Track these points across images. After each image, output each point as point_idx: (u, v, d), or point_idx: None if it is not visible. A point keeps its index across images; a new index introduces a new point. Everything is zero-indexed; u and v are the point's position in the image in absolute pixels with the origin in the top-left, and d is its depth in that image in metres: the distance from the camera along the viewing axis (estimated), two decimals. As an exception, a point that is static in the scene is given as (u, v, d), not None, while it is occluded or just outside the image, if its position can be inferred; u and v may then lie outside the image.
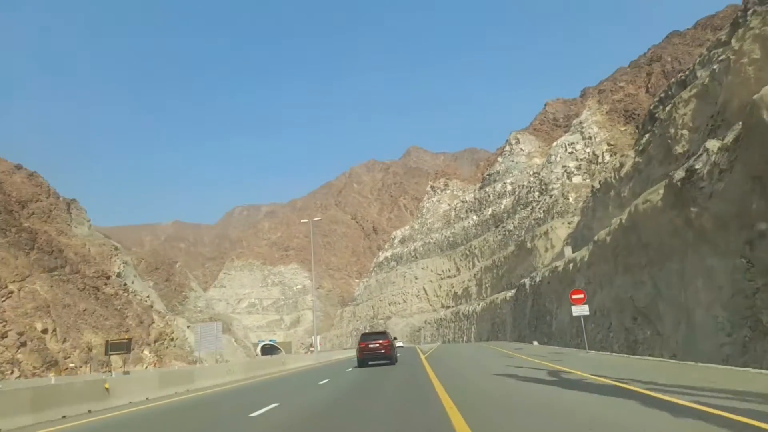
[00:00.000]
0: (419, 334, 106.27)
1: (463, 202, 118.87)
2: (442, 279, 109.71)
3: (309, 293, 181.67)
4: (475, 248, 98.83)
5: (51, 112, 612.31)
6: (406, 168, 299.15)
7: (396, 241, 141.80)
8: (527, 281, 52.49)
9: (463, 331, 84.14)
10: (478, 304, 79.67)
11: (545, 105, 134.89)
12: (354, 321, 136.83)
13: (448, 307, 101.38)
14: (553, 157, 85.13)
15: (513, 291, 61.05)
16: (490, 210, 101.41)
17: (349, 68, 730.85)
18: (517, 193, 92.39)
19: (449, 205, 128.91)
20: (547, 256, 58.63)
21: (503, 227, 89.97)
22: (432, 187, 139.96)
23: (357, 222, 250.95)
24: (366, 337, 25.50)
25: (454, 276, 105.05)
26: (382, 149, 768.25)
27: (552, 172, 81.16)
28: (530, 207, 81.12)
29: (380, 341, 24.51)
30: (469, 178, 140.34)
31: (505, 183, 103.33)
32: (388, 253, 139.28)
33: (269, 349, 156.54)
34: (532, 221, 75.79)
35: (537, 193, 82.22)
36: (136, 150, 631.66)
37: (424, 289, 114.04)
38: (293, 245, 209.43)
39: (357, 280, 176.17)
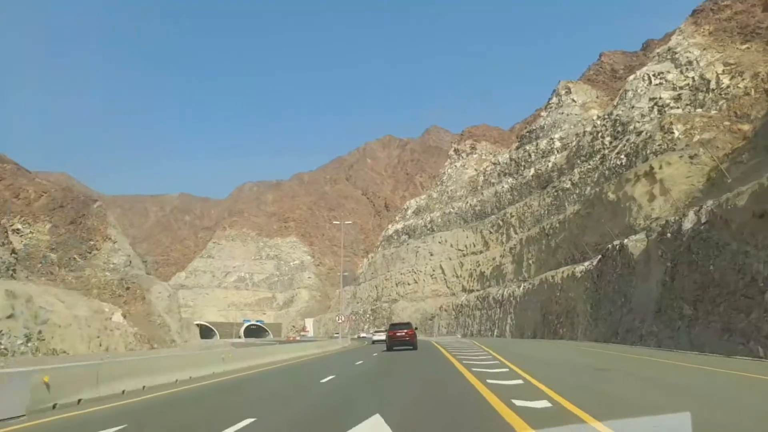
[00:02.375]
0: (432, 323, 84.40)
1: (495, 164, 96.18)
2: (464, 255, 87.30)
3: (307, 270, 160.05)
4: (512, 216, 76.38)
5: (60, 81, 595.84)
6: (424, 146, 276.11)
7: (409, 212, 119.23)
8: (633, 243, 30.30)
9: (493, 321, 62.13)
10: (519, 286, 57.59)
11: (600, 56, 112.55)
12: (354, 303, 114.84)
13: (472, 290, 79.15)
14: (630, 93, 63.04)
15: (590, 262, 39.05)
16: (532, 170, 79.10)
17: (370, 44, 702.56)
18: (574, 143, 70.16)
19: (476, 169, 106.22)
20: (655, 206, 36.22)
21: (554, 187, 67.78)
22: (456, 150, 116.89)
23: (368, 198, 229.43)
24: (394, 326, 32.30)
25: (481, 252, 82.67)
26: (401, 128, 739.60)
27: (633, 108, 58.95)
28: (599, 155, 59.19)
29: (405, 330, 30.58)
30: (501, 140, 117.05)
31: (552, 138, 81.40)
32: (399, 226, 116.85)
33: (255, 331, 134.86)
34: (605, 171, 53.67)
35: (609, 139, 60.11)
36: (151, 122, 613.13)
37: (440, 267, 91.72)
38: (294, 217, 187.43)
39: (363, 259, 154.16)
